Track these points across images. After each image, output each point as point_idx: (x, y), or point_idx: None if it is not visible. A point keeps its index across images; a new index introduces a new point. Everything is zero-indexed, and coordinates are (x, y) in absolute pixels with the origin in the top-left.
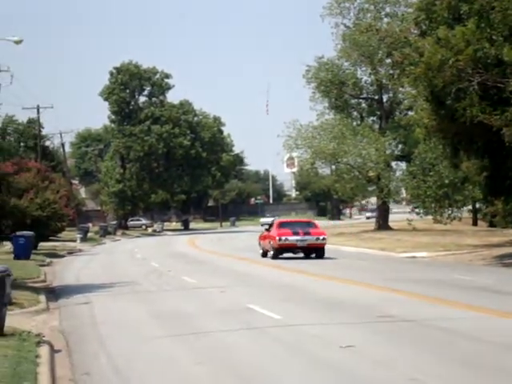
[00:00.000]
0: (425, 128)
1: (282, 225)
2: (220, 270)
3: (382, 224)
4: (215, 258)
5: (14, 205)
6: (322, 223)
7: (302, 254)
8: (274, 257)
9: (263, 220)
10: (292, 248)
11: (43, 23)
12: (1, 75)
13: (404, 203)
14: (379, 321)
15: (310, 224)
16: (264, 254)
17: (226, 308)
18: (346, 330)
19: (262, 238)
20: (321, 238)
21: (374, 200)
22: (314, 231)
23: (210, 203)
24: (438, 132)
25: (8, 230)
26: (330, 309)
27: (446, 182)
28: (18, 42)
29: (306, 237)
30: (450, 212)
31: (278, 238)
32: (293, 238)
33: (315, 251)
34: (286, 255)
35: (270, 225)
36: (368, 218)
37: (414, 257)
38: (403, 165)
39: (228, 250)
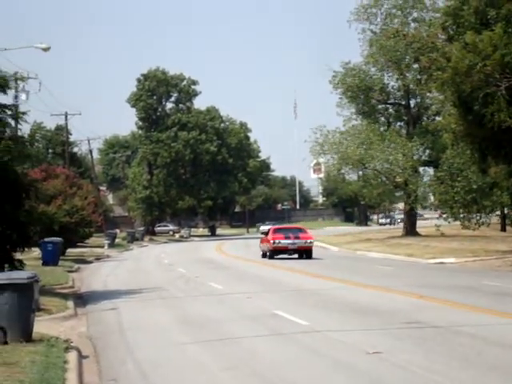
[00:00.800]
0: (452, 133)
1: (276, 231)
2: (246, 276)
3: (410, 230)
4: (242, 264)
5: (42, 211)
6: (348, 229)
7: (296, 255)
8: (270, 257)
9: (262, 228)
10: (284, 250)
11: (71, 30)
12: (29, 82)
13: (432, 209)
14: (406, 327)
15: (300, 230)
16: (263, 255)
17: (253, 314)
18: (373, 336)
19: (262, 241)
20: (308, 241)
21: (401, 206)
22: (303, 236)
23: (237, 209)
24: (465, 137)
25: (36, 236)
26: (356, 315)
27: (474, 187)
28: (45, 49)
29: (296, 240)
30: (478, 218)
31: (272, 241)
32: (285, 242)
33: (304, 253)
34: (281, 256)
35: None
36: (382, 224)
37: (441, 263)
38: (431, 170)
39: (254, 255)
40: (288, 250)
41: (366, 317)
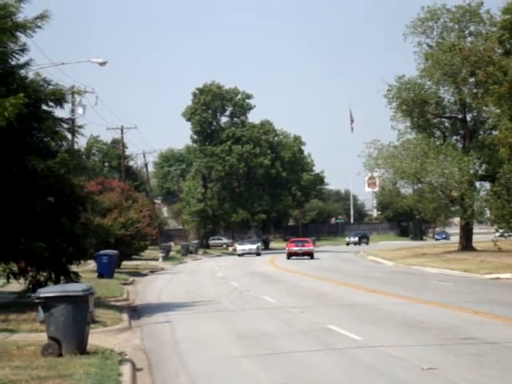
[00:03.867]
0: (509, 147)
1: (291, 241)
2: (299, 290)
3: (466, 245)
4: (295, 278)
5: (97, 224)
6: (403, 244)
7: (306, 257)
8: (288, 258)
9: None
10: (295, 253)
11: (127, 45)
12: (86, 96)
13: (488, 224)
14: (462, 343)
15: (306, 241)
16: (288, 257)
17: (306, 328)
18: (428, 351)
19: (286, 247)
20: (310, 248)
21: (456, 220)
22: (307, 245)
23: (291, 222)
24: None
25: (92, 248)
26: (411, 330)
27: None
28: (102, 64)
29: (302, 248)
30: None
31: (287, 248)
32: (294, 248)
33: (308, 255)
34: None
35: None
36: (437, 239)
37: (498, 278)
38: (487, 185)
39: (307, 269)
40: (297, 254)
41: (420, 332)
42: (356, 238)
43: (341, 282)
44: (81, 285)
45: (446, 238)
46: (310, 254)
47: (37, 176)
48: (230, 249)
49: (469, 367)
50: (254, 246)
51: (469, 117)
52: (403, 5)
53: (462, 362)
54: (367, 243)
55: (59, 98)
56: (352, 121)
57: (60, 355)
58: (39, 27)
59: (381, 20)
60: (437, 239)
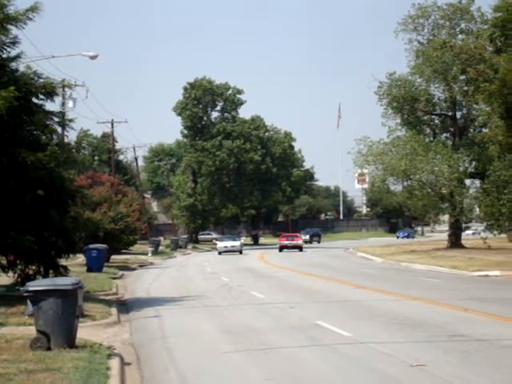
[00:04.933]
0: (499, 145)
1: (282, 236)
2: (289, 286)
3: (455, 242)
4: (284, 274)
5: (87, 218)
6: (392, 240)
7: (296, 250)
8: (280, 250)
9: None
10: (286, 246)
11: (118, 39)
12: (76, 90)
13: (476, 221)
14: (451, 340)
15: (296, 235)
16: (280, 250)
17: (295, 324)
18: (417, 348)
19: (278, 241)
20: (299, 242)
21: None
22: (296, 239)
23: (280, 218)
24: None
25: (81, 242)
26: (400, 327)
27: None
28: (93, 57)
29: (292, 241)
30: None
31: (279, 242)
32: (285, 242)
33: (297, 248)
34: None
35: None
36: (399, 237)
37: (486, 275)
38: (477, 182)
39: (297, 265)
40: (288, 247)
41: (409, 329)
42: (307, 237)
43: (330, 278)
44: (70, 278)
45: (409, 236)
46: (299, 247)
47: (27, 169)
48: None
49: (458, 364)
50: (236, 243)
51: (459, 114)
52: (395, 1)
53: (451, 359)
54: (319, 241)
55: (50, 92)
56: (339, 117)
57: (49, 349)
58: (30, 19)
59: (372, 17)
60: (398, 237)
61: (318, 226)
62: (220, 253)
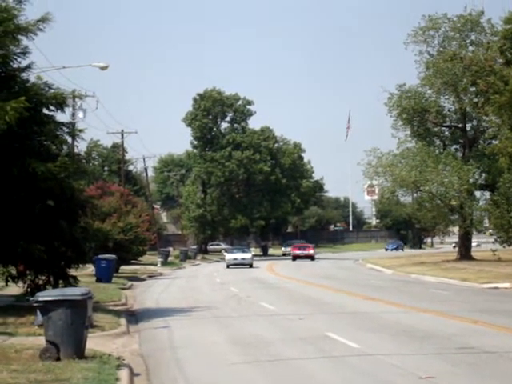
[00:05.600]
0: (509, 157)
1: (294, 246)
2: (298, 297)
3: (465, 254)
4: (293, 285)
5: (97, 228)
6: (401, 252)
7: (308, 260)
8: (293, 260)
9: (284, 249)
10: (298, 256)
11: (128, 50)
12: (87, 100)
13: (487, 233)
14: (460, 352)
15: (307, 246)
16: (293, 259)
17: (304, 335)
18: (426, 360)
19: (291, 251)
20: (310, 251)
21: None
22: (308, 248)
23: (289, 229)
24: None
25: (91, 252)
26: (409, 339)
27: None
28: (103, 68)
29: (304, 251)
30: None
31: (292, 252)
32: (298, 252)
33: (309, 258)
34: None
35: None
36: (388, 249)
37: (496, 287)
38: (487, 194)
39: (306, 276)
40: (300, 256)
41: (419, 341)
42: (394, 246)
43: (339, 290)
44: (79, 289)
45: (398, 248)
46: (311, 257)
47: (37, 179)
48: None
49: (467, 376)
50: (247, 255)
51: (469, 126)
52: (405, 13)
53: (460, 371)
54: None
55: (60, 102)
56: (348, 128)
57: (58, 359)
58: (41, 30)
59: (382, 28)
60: (386, 249)
61: (328, 238)
62: (228, 266)
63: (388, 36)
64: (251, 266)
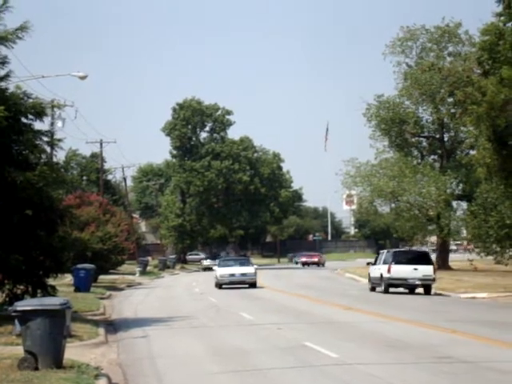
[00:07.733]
0: (486, 167)
1: (302, 255)
2: (277, 307)
3: (442, 264)
4: (272, 295)
5: (75, 237)
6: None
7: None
8: (302, 265)
9: (296, 259)
10: (306, 263)
11: (107, 59)
12: (65, 110)
13: (465, 243)
14: (438, 361)
15: (314, 254)
16: (302, 265)
17: (283, 345)
18: (405, 370)
19: (300, 259)
20: (316, 259)
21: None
22: (314, 257)
23: (268, 239)
24: (499, 172)
25: (69, 262)
26: (388, 348)
27: (508, 222)
28: (82, 78)
29: (310, 258)
30: (511, 253)
31: (301, 259)
32: (306, 259)
33: (316, 264)
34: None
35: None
36: (297, 262)
37: (474, 297)
38: (464, 204)
39: (285, 286)
40: (308, 263)
41: (397, 350)
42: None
43: (318, 300)
44: (58, 299)
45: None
46: (318, 264)
47: (16, 188)
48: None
49: None
50: (249, 270)
51: (446, 136)
52: (384, 24)
53: (438, 381)
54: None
55: (39, 112)
56: (326, 139)
57: (36, 369)
58: (20, 38)
59: (361, 39)
60: (296, 262)
61: (306, 247)
62: (221, 285)
63: (366, 46)
64: (254, 285)
